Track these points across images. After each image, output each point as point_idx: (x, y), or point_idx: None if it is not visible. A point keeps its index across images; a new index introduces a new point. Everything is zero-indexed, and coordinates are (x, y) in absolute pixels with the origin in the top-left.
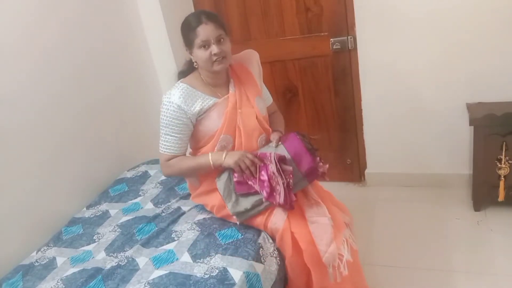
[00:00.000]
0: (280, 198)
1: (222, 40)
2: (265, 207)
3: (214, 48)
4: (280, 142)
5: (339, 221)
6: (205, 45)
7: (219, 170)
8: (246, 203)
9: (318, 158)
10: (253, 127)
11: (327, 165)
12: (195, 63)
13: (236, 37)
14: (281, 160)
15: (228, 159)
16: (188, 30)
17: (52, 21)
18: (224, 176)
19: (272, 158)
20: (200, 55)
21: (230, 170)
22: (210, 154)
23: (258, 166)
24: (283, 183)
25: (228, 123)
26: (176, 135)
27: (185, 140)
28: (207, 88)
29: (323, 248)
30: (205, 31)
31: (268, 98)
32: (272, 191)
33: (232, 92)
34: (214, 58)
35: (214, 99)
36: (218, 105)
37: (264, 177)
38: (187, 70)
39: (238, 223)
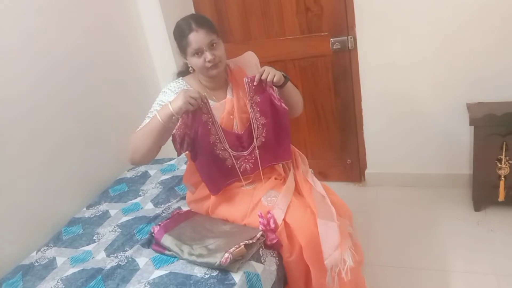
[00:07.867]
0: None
1: (214, 45)
2: None
3: (207, 55)
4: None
5: (344, 230)
6: (198, 52)
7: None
8: None
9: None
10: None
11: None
12: (190, 68)
13: (236, 37)
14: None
15: (175, 104)
16: (180, 37)
17: (53, 22)
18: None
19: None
20: (194, 62)
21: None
22: (156, 112)
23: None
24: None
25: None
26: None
27: None
28: (204, 91)
29: (328, 251)
30: (196, 38)
31: None
32: None
33: (229, 98)
34: (209, 64)
35: (211, 103)
36: (214, 110)
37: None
38: (186, 71)
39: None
